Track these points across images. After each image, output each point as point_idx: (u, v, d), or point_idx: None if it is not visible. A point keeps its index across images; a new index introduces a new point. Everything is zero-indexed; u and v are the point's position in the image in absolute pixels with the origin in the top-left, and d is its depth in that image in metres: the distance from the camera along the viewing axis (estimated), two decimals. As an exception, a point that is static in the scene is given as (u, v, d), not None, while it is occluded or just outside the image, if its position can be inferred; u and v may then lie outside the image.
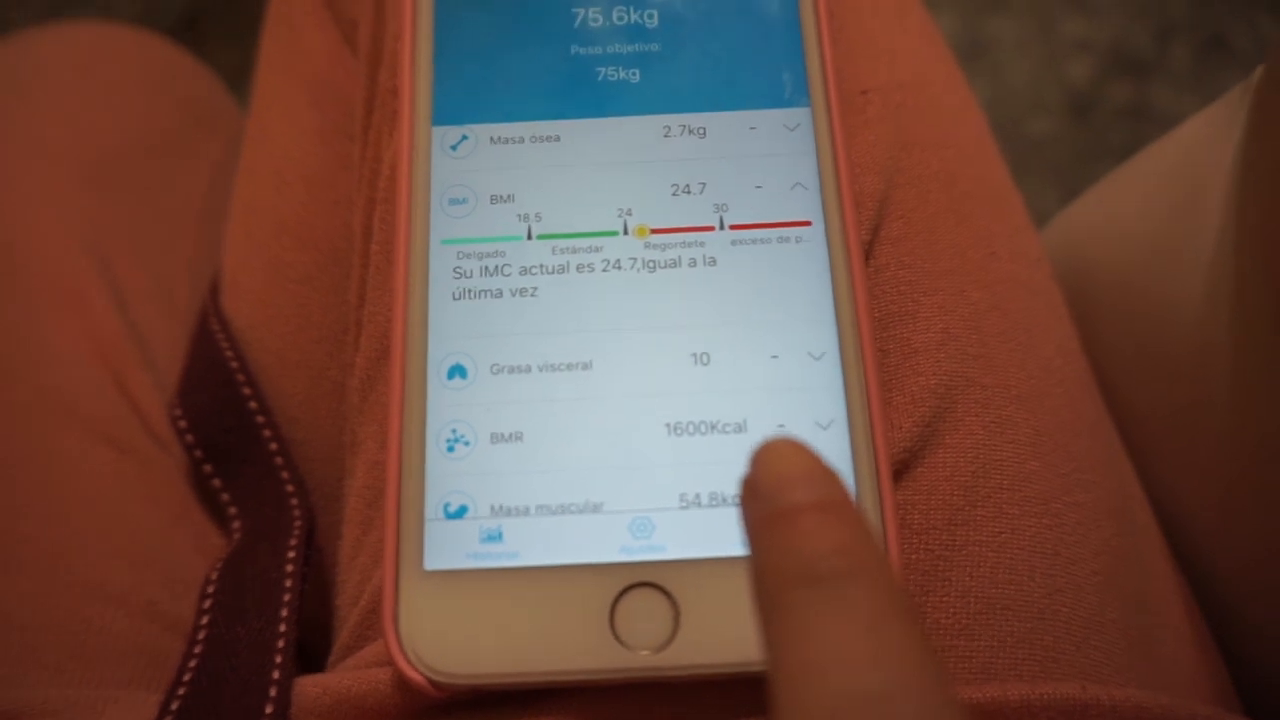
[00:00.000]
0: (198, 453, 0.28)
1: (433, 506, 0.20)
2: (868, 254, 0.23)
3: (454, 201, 0.22)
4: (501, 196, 0.22)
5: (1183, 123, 0.29)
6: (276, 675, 0.21)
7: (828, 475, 0.15)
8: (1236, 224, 0.24)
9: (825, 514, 0.14)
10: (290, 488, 0.27)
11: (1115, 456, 0.25)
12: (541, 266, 0.21)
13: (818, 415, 0.20)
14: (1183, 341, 0.26)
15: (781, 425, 0.20)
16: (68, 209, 0.31)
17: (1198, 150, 0.27)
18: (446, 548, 0.20)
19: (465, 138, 0.22)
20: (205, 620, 0.23)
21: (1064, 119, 0.86)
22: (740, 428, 0.20)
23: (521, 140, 0.22)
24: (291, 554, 0.24)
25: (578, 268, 0.21)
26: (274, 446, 0.28)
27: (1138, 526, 0.25)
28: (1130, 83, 0.88)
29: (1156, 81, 0.88)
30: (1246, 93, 0.25)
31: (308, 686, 0.20)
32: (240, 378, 0.28)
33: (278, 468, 0.27)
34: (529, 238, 0.22)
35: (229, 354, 0.29)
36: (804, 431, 0.20)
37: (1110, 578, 0.22)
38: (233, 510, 0.27)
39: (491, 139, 0.22)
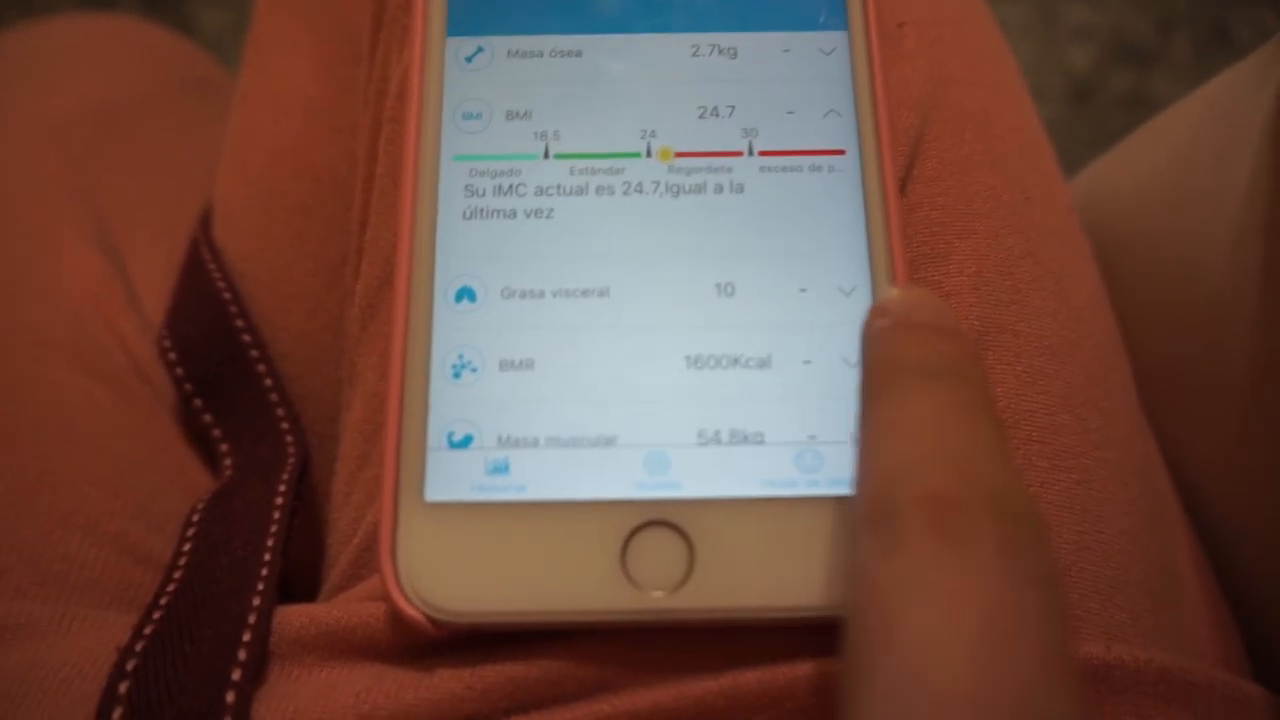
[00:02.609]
0: (188, 385, 0.27)
1: (436, 435, 0.19)
2: (900, 191, 0.22)
3: (467, 116, 0.21)
4: (518, 113, 0.21)
5: (1211, 79, 0.28)
6: (257, 602, 0.19)
7: (949, 312, 0.17)
8: (1269, 175, 0.23)
9: (944, 332, 0.17)
10: (285, 424, 0.26)
11: (1140, 417, 0.25)
12: (558, 187, 0.20)
13: (846, 352, 0.19)
14: (1207, 296, 0.25)
15: (808, 361, 0.19)
16: (68, 167, 0.31)
17: (1228, 105, 0.26)
18: (449, 478, 0.19)
19: (481, 50, 0.21)
20: (187, 548, 0.22)
21: (1064, 105, 0.85)
22: (764, 363, 0.19)
23: (541, 54, 0.21)
24: (283, 488, 0.23)
25: (597, 190, 0.20)
26: (268, 381, 0.26)
27: (1160, 490, 0.24)
28: (1131, 71, 0.87)
29: (1157, 71, 0.87)
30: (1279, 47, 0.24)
31: (293, 616, 0.19)
32: (233, 309, 0.27)
33: (272, 404, 0.26)
34: (546, 156, 0.20)
35: (221, 285, 0.28)
36: (832, 369, 0.19)
37: (1136, 538, 0.22)
38: (224, 446, 0.26)
39: (509, 52, 0.21)
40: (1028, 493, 0.15)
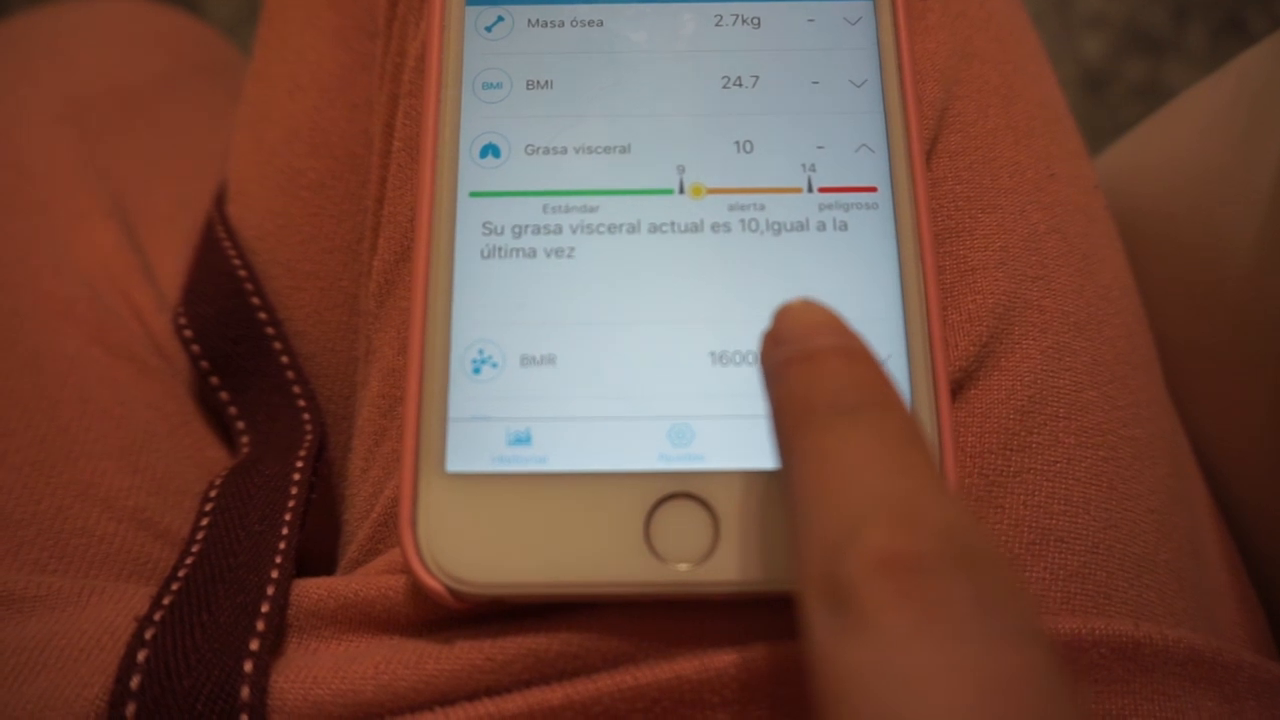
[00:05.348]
0: (204, 363, 0.27)
1: (457, 401, 0.19)
2: (927, 164, 0.22)
3: (487, 86, 0.20)
4: (539, 83, 0.20)
5: (1233, 60, 0.28)
6: (275, 575, 0.19)
7: (847, 327, 0.16)
8: None
9: (850, 356, 0.15)
10: (302, 402, 0.25)
11: (1165, 398, 0.24)
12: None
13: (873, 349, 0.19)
14: (1234, 278, 0.25)
15: None
16: (85, 144, 0.31)
17: (1251, 86, 0.26)
18: (471, 449, 0.18)
19: (501, 19, 0.21)
20: (205, 523, 0.21)
21: (1077, 94, 0.85)
22: None
23: (562, 24, 0.21)
24: (300, 464, 0.23)
25: (620, 149, 0.20)
26: (285, 359, 0.26)
27: (1187, 471, 0.24)
28: (1145, 61, 0.86)
29: (1171, 61, 0.86)
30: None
31: (311, 589, 0.19)
32: (249, 287, 0.27)
33: (289, 381, 0.26)
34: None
35: (237, 263, 0.27)
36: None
37: (1164, 518, 0.21)
38: (241, 424, 0.26)
39: (529, 21, 0.21)
40: (980, 523, 0.14)
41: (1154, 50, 0.87)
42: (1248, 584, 0.25)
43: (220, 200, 0.29)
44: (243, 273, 0.27)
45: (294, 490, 0.22)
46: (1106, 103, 0.85)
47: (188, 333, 0.27)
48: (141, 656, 0.18)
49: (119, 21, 0.36)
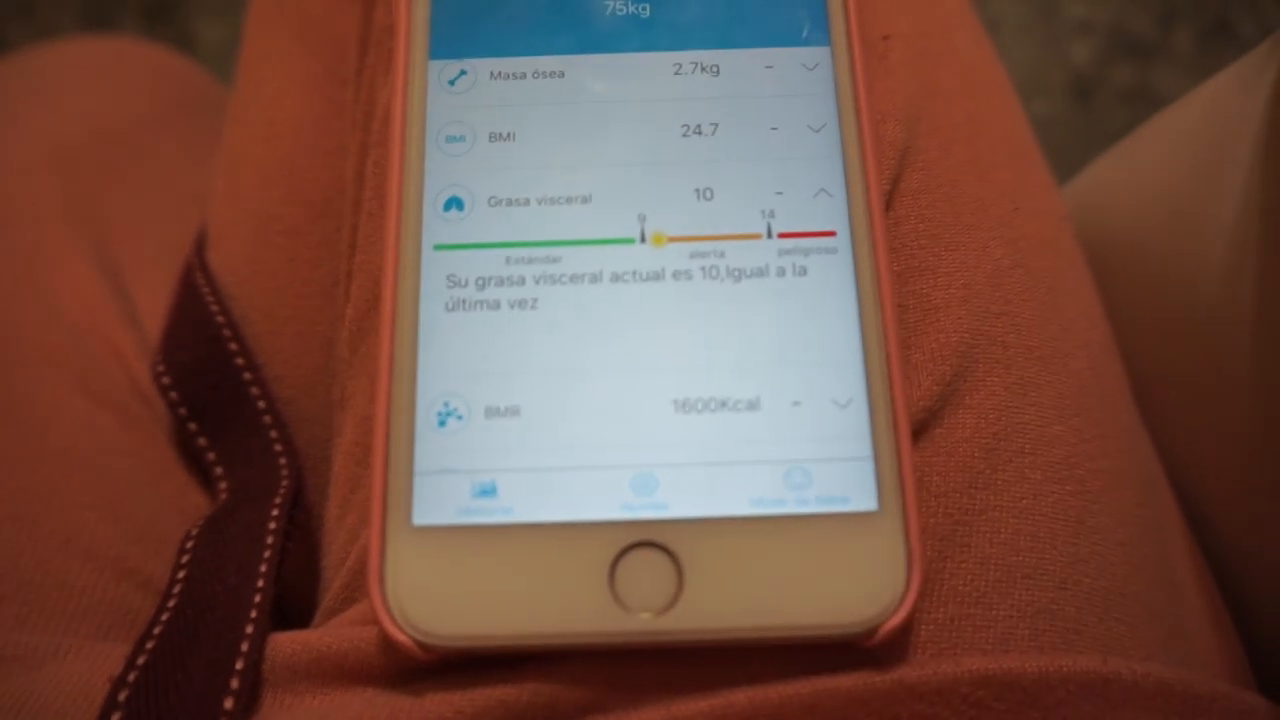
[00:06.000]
0: (182, 410, 0.27)
1: (423, 453, 0.19)
2: (887, 205, 0.22)
3: (451, 139, 0.21)
4: (501, 135, 0.21)
5: (1208, 80, 0.28)
6: (250, 630, 0.19)
7: None
8: (1263, 181, 0.23)
9: None
10: (279, 447, 0.26)
11: (1137, 426, 0.25)
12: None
13: (835, 394, 0.19)
14: (1203, 306, 0.25)
15: (797, 402, 0.19)
16: (69, 187, 0.31)
17: (1222, 107, 0.26)
18: (437, 502, 0.19)
19: (464, 73, 0.21)
20: (181, 575, 0.22)
21: (1065, 101, 0.85)
22: (753, 405, 0.19)
23: (524, 76, 0.21)
24: (275, 512, 0.23)
25: (582, 199, 0.20)
26: (261, 405, 0.26)
27: (1160, 500, 0.24)
28: (1132, 66, 0.87)
29: (1159, 65, 0.87)
30: (1276, 46, 0.24)
31: (285, 643, 0.19)
32: (226, 333, 0.27)
33: (266, 426, 0.26)
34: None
35: (214, 309, 0.28)
36: (822, 409, 0.19)
37: (1135, 549, 0.21)
38: (219, 470, 0.26)
39: (492, 74, 0.21)
40: None
41: (1141, 55, 0.87)
42: (1223, 609, 0.25)
43: (199, 245, 0.30)
44: (220, 319, 0.27)
45: (270, 540, 0.22)
46: (1094, 109, 0.85)
47: (165, 380, 0.27)
48: (116, 718, 0.18)
49: (103, 62, 0.36)
